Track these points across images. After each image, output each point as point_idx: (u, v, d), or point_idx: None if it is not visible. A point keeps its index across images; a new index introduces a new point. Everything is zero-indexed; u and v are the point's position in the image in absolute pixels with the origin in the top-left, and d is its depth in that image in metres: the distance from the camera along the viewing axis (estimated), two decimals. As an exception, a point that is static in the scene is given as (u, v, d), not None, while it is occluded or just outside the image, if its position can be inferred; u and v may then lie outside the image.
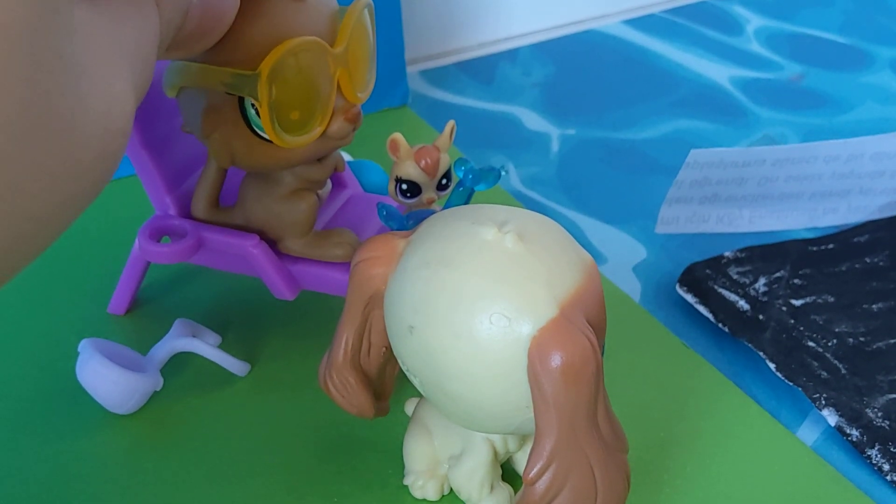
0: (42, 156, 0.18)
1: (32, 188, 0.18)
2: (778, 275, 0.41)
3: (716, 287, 0.40)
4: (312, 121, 0.31)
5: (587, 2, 0.65)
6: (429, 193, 0.33)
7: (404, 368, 0.29)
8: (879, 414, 0.35)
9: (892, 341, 0.38)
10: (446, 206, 0.33)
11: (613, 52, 0.62)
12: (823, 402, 0.35)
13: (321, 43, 0.30)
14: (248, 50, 0.30)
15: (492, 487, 0.31)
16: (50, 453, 0.34)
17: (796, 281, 0.41)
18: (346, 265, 0.34)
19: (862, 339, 0.38)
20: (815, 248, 0.43)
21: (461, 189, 0.33)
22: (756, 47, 0.62)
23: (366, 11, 0.33)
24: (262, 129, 0.31)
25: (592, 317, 0.27)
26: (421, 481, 0.32)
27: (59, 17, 0.18)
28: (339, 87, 0.32)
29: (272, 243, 0.35)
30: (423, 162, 0.33)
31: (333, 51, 0.31)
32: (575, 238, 0.29)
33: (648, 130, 0.54)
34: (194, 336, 0.37)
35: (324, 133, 0.32)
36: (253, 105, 0.31)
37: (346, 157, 0.42)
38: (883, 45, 0.62)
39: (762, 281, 0.41)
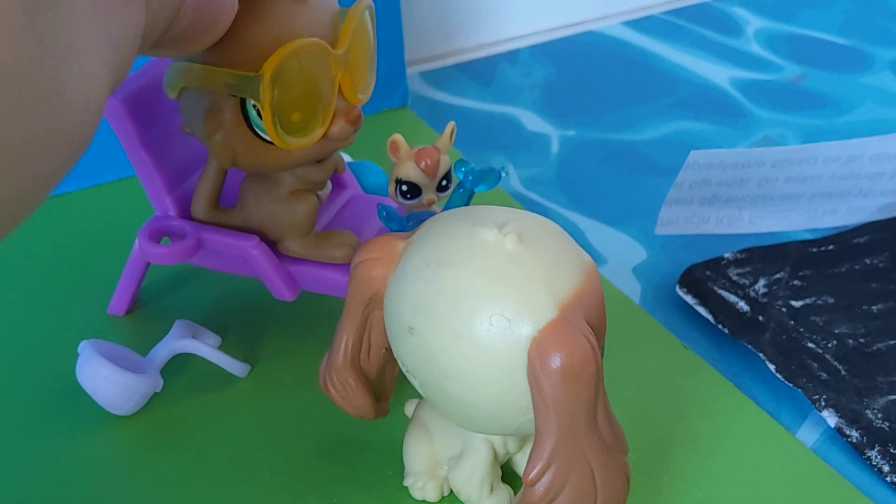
0: (31, 128, 0.18)
1: (21, 158, 0.18)
2: (778, 276, 0.41)
3: (715, 288, 0.40)
4: (314, 122, 0.31)
5: (587, 3, 0.65)
6: (429, 195, 0.33)
7: (404, 369, 0.29)
8: (879, 415, 0.35)
9: (892, 342, 0.38)
10: (446, 208, 0.33)
11: (613, 53, 0.62)
12: (823, 403, 0.35)
13: (323, 44, 0.30)
14: (250, 51, 0.30)
15: (491, 488, 0.31)
16: (50, 454, 0.34)
17: (796, 282, 0.41)
18: (345, 266, 0.34)
19: (862, 340, 0.39)
20: (814, 250, 0.43)
21: (461, 190, 0.33)
22: (756, 48, 0.62)
23: (367, 13, 0.33)
24: (263, 131, 0.31)
25: (592, 318, 0.27)
26: (421, 482, 0.32)
27: None
28: (339, 88, 0.32)
29: (272, 244, 0.35)
30: (424, 163, 0.33)
31: (335, 52, 0.31)
32: (575, 239, 0.29)
33: (648, 131, 0.54)
34: (194, 337, 0.37)
35: (325, 135, 0.32)
36: (254, 106, 0.31)
37: (347, 158, 0.42)
38: (883, 46, 0.62)
39: (762, 282, 0.41)
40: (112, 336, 0.37)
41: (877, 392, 0.36)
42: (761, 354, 0.37)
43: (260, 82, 0.30)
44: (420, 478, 0.32)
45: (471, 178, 0.33)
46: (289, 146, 0.31)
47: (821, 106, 0.56)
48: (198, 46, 0.28)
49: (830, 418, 0.35)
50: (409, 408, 0.33)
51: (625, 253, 0.44)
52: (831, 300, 0.40)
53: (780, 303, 0.40)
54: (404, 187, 0.33)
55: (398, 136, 0.32)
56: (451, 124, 0.33)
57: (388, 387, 0.33)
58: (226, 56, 0.30)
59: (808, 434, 0.36)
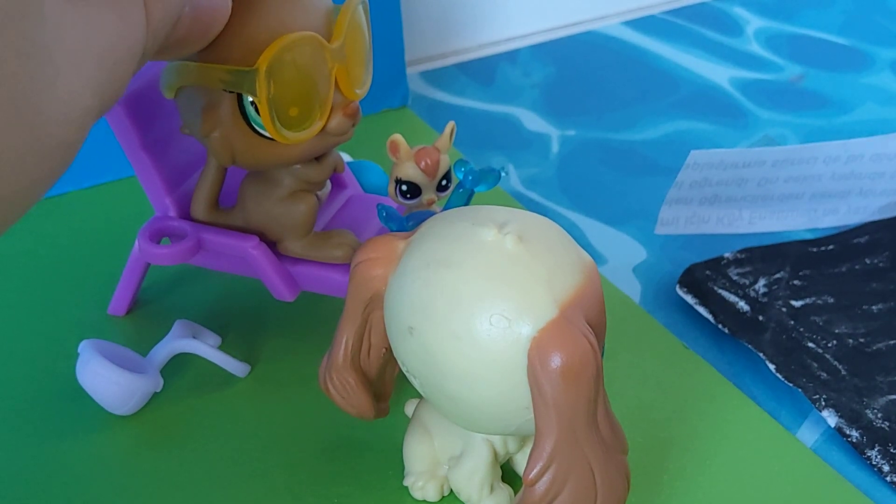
0: (9, 136, 0.18)
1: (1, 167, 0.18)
2: (778, 276, 0.41)
3: (716, 288, 0.40)
4: (311, 117, 0.31)
5: (587, 3, 0.65)
6: (429, 194, 0.33)
7: (404, 369, 0.29)
8: (879, 415, 0.35)
9: (892, 342, 0.38)
10: (446, 208, 0.33)
11: (613, 53, 0.62)
12: (823, 403, 0.35)
13: (318, 38, 0.30)
14: (245, 47, 0.30)
15: (492, 488, 0.31)
16: (50, 454, 0.34)
17: (796, 282, 0.41)
18: (345, 266, 0.34)
19: (862, 340, 0.39)
20: (814, 249, 0.43)
21: (461, 190, 0.33)
22: (756, 48, 0.62)
23: (360, 7, 0.33)
24: (261, 127, 0.31)
25: (592, 318, 0.27)
26: (421, 482, 0.32)
27: (33, 2, 0.18)
28: (336, 83, 0.32)
29: (272, 245, 0.35)
30: (423, 163, 0.33)
31: (330, 46, 0.31)
32: (575, 239, 0.29)
33: (648, 131, 0.54)
34: (194, 337, 0.37)
35: (323, 129, 0.32)
36: (252, 102, 0.31)
37: (346, 157, 0.42)
38: (883, 46, 0.62)
39: (762, 282, 0.41)
40: (112, 336, 0.37)
41: (877, 392, 0.36)
42: (761, 354, 0.37)
43: (256, 77, 0.30)
44: (420, 478, 0.32)
45: (471, 178, 0.33)
46: (287, 140, 0.31)
47: (821, 106, 0.56)
48: (193, 50, 0.28)
49: (830, 418, 0.35)
50: (409, 408, 0.33)
51: (625, 253, 0.44)
52: (831, 300, 0.40)
53: (780, 303, 0.40)
54: (404, 187, 0.33)
55: (398, 136, 0.32)
56: (450, 124, 0.33)
57: (388, 387, 0.33)
58: (221, 53, 0.30)
59: (808, 434, 0.36)
